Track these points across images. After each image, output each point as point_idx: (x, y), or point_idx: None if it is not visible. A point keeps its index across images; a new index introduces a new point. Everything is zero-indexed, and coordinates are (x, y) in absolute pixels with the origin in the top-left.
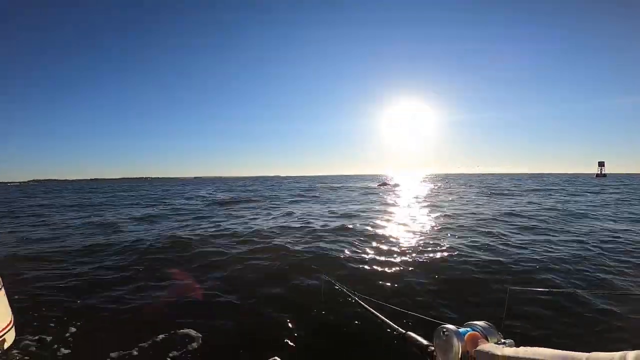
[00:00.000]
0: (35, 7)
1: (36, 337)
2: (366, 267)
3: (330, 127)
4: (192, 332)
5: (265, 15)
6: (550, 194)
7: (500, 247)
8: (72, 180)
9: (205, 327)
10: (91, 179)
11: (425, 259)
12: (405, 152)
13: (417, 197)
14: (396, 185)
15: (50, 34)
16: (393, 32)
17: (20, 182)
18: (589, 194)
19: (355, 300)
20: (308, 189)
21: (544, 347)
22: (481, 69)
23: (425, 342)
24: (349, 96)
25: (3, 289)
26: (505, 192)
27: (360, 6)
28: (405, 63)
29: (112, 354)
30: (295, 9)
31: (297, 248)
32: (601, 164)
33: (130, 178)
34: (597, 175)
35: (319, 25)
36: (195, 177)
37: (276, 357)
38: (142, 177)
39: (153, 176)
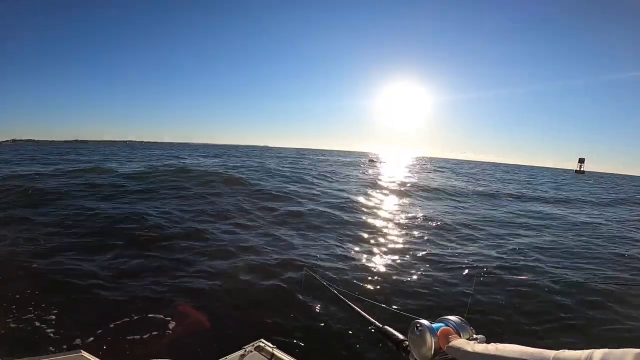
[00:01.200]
0: None
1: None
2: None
3: (326, 103)
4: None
5: None
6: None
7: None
8: (52, 142)
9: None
10: (74, 141)
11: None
12: (396, 132)
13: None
14: (381, 162)
15: None
16: (389, 9)
17: None
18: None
19: (335, 293)
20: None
21: (513, 343)
22: (480, 47)
23: (400, 336)
24: (345, 74)
25: None
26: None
27: None
28: (403, 41)
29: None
30: None
31: None
32: (581, 161)
33: (115, 141)
34: (577, 171)
35: (312, 5)
36: (181, 143)
37: (262, 339)
38: (131, 141)
39: (139, 140)
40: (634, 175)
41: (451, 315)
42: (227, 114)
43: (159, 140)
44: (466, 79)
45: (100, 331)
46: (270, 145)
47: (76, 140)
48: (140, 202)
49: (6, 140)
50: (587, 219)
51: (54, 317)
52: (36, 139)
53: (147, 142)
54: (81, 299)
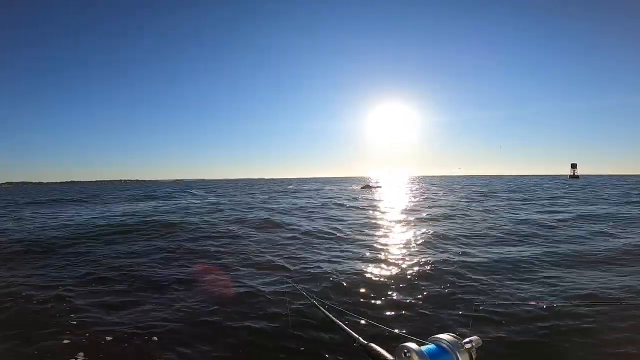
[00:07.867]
0: None
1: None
2: None
3: (317, 129)
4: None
5: (256, 19)
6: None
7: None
8: (47, 183)
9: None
10: (66, 182)
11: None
12: (389, 153)
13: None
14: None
15: None
16: (379, 33)
17: None
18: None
19: (316, 305)
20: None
21: None
22: (470, 69)
23: (389, 356)
24: (335, 98)
25: None
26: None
27: (350, 6)
28: (391, 64)
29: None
30: (281, 13)
31: None
32: (574, 166)
33: (106, 181)
34: (571, 176)
35: (303, 29)
36: (175, 180)
37: None
38: (121, 180)
39: (130, 178)
40: (628, 175)
41: (444, 333)
42: (218, 146)
43: (148, 178)
44: (459, 101)
45: None
46: (265, 177)
47: (71, 182)
48: None
49: (2, 183)
50: None
51: None
52: (31, 180)
53: (140, 180)
54: None
